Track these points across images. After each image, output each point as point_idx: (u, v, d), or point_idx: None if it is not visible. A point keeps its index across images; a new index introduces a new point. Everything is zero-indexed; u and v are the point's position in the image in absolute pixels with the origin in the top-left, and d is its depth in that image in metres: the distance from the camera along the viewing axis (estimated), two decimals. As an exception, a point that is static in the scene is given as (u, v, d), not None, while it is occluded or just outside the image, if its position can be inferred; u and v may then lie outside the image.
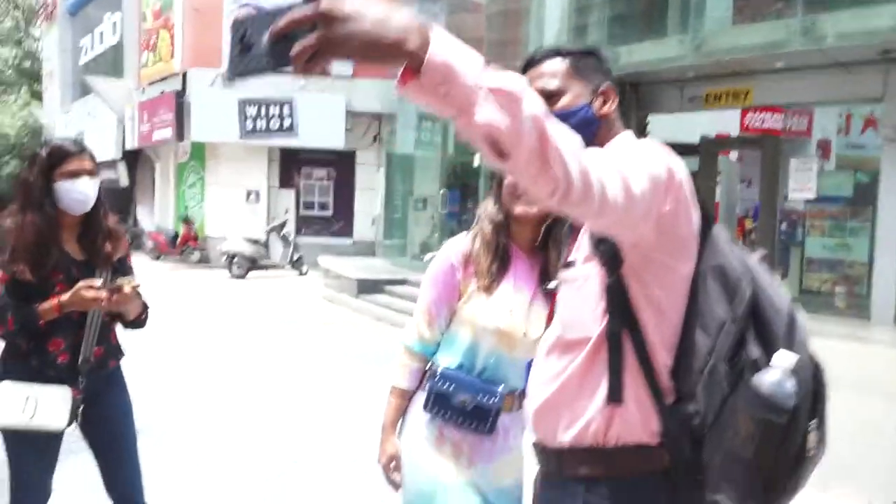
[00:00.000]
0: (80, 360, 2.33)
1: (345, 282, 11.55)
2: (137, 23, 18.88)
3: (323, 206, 16.52)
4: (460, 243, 1.93)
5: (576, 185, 0.97)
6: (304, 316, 9.74)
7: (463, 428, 1.87)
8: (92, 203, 2.34)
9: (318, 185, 16.44)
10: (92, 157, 2.37)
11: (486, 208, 1.91)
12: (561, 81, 1.34)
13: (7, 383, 2.24)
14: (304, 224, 16.26)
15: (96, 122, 20.62)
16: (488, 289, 1.84)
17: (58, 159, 2.28)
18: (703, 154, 9.77)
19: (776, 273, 1.31)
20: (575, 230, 1.38)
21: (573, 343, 1.30)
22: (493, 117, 0.88)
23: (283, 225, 14.41)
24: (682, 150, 1.99)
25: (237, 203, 15.86)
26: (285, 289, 12.63)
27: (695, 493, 1.20)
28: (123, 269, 2.47)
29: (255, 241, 14.01)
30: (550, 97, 1.31)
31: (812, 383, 1.18)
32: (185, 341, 7.65)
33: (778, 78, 7.86)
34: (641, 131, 8.54)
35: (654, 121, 9.14)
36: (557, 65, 1.35)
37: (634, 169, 1.11)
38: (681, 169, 1.19)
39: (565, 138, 0.97)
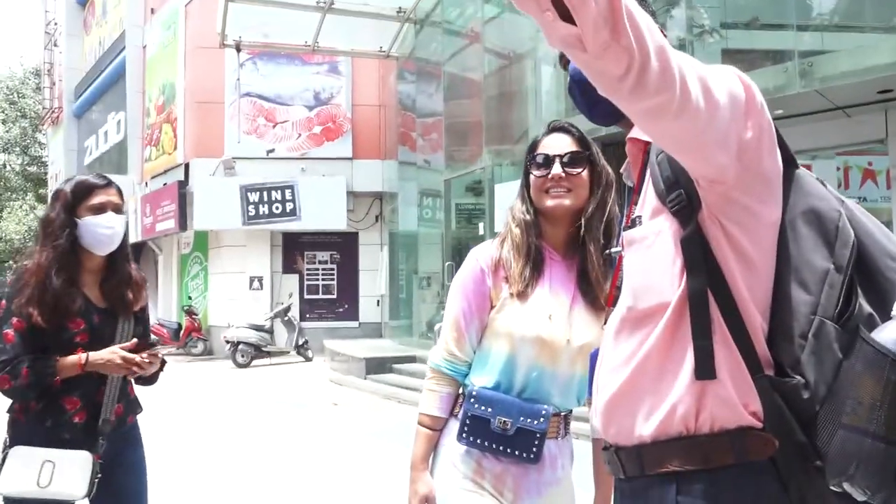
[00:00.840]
0: (100, 421, 2.10)
1: (352, 363, 11.25)
2: (141, 119, 19.33)
3: (327, 290, 16.35)
4: (488, 248, 1.72)
5: (653, 64, 0.80)
6: (312, 398, 9.39)
7: (504, 457, 1.61)
8: (118, 241, 2.16)
9: (322, 268, 16.34)
10: (119, 191, 2.20)
11: (514, 210, 1.71)
12: None
13: (20, 448, 2.01)
14: (309, 308, 16.05)
15: (100, 220, 20.76)
16: (522, 294, 1.63)
17: (82, 193, 2.11)
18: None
19: None
20: (636, 186, 1.20)
21: (647, 314, 1.08)
22: None
23: (287, 309, 14.18)
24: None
25: (240, 291, 15.70)
26: (291, 374, 12.29)
27: (812, 482, 0.96)
28: (143, 320, 2.29)
29: (260, 328, 13.75)
30: None
31: None
32: (190, 433, 7.30)
33: (779, 126, 7.86)
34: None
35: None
36: None
37: (713, 77, 0.93)
38: (760, 94, 1.01)
39: (638, 7, 0.80)
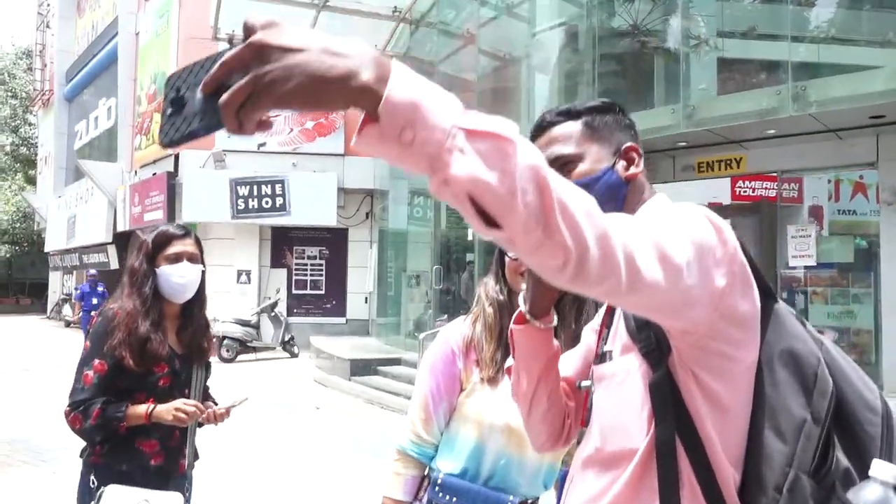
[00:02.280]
0: (186, 463, 2.25)
1: (337, 363, 11.21)
2: (132, 107, 19.14)
3: (315, 285, 16.29)
4: (460, 327, 1.68)
5: (592, 254, 0.74)
6: (295, 400, 9.35)
7: None
8: (193, 290, 2.25)
9: (311, 263, 16.27)
10: (197, 242, 2.28)
11: (487, 287, 1.67)
12: (576, 145, 1.15)
13: (116, 487, 2.07)
14: (296, 303, 15.99)
15: (88, 206, 20.61)
16: (493, 380, 1.59)
17: (161, 243, 2.23)
18: (699, 223, 9.74)
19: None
20: (607, 311, 1.15)
21: (615, 457, 1.04)
22: (476, 170, 0.66)
23: (274, 304, 14.11)
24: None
25: (228, 284, 15.60)
26: (275, 372, 12.24)
27: None
28: (209, 367, 2.41)
29: (246, 323, 13.67)
30: (566, 164, 1.13)
31: None
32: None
33: (771, 145, 7.85)
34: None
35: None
36: (570, 127, 1.16)
37: (676, 235, 0.88)
38: (733, 235, 0.95)
39: (575, 195, 0.74)
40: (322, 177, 15.14)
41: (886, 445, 0.94)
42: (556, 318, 1.18)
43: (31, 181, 31.47)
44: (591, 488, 1.07)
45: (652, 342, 1.00)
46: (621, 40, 9.83)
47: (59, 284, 27.36)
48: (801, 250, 7.93)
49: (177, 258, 2.20)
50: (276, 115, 0.67)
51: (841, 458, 0.94)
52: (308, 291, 16.20)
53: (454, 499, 1.58)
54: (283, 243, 16.06)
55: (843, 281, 8.38)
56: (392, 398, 9.11)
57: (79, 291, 14.69)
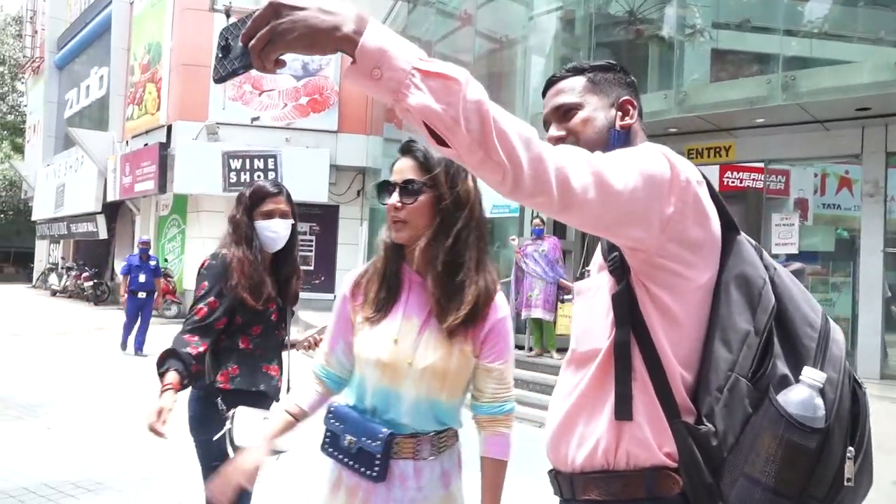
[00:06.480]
0: (285, 388, 2.55)
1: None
2: (125, 76, 19.01)
3: (304, 261, 16.35)
4: (353, 274, 1.79)
5: (526, 173, 0.96)
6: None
7: (355, 472, 1.67)
8: (283, 242, 2.54)
9: (301, 238, 16.29)
10: (289, 199, 2.57)
11: (382, 233, 1.73)
12: (578, 96, 1.34)
13: (243, 408, 2.35)
14: (285, 278, 16.05)
15: (77, 175, 20.52)
16: (371, 319, 1.69)
17: (257, 199, 2.53)
18: (686, 209, 9.88)
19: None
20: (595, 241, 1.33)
21: (585, 357, 1.24)
22: (426, 101, 0.89)
23: (263, 278, 14.18)
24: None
25: (217, 256, 15.62)
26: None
27: None
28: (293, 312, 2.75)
29: (235, 295, 13.73)
30: (568, 111, 1.32)
31: (850, 405, 1.08)
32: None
33: (759, 134, 8.00)
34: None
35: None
36: (575, 81, 1.36)
37: (622, 166, 1.06)
38: (690, 171, 1.13)
39: (514, 125, 0.95)
40: (315, 153, 15.18)
41: (821, 357, 1.10)
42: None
43: (19, 149, 31.17)
44: (569, 383, 1.28)
45: (618, 261, 1.18)
46: (617, 27, 9.92)
47: (45, 253, 27.23)
48: (784, 238, 8.12)
49: (270, 215, 2.49)
50: (287, 56, 0.91)
51: (780, 366, 1.09)
52: (297, 267, 16.25)
53: (341, 425, 1.70)
54: (273, 218, 16.06)
55: (823, 270, 8.59)
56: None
57: (126, 264, 11.06)
